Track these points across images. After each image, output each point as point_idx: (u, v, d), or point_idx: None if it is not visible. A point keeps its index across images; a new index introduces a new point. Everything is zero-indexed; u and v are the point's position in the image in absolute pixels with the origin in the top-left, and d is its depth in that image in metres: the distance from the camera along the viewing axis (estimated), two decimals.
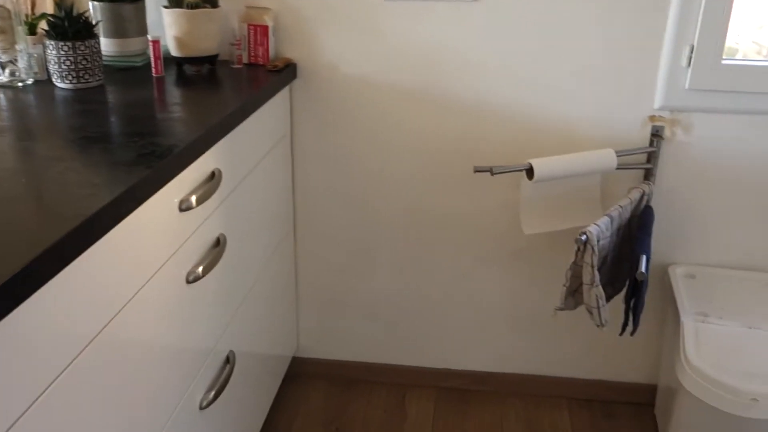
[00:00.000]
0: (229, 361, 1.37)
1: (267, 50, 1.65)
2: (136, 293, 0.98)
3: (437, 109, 1.70)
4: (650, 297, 1.80)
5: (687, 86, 1.59)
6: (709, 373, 1.46)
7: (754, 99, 1.58)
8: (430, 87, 1.68)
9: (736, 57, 1.63)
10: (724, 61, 1.55)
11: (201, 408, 1.24)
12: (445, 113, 1.70)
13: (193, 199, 1.13)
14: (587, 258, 1.49)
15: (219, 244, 1.27)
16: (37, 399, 0.77)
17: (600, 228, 1.49)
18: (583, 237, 1.47)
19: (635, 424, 1.87)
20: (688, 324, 1.57)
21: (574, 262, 1.54)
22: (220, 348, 1.34)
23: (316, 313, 1.98)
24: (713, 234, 1.74)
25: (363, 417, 1.88)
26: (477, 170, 1.59)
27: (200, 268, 1.17)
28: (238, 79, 1.54)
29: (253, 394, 1.59)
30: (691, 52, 1.56)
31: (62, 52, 1.36)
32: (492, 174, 1.58)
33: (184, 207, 1.11)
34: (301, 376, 2.03)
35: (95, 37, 1.39)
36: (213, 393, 1.27)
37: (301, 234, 1.88)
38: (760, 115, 1.61)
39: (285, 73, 1.61)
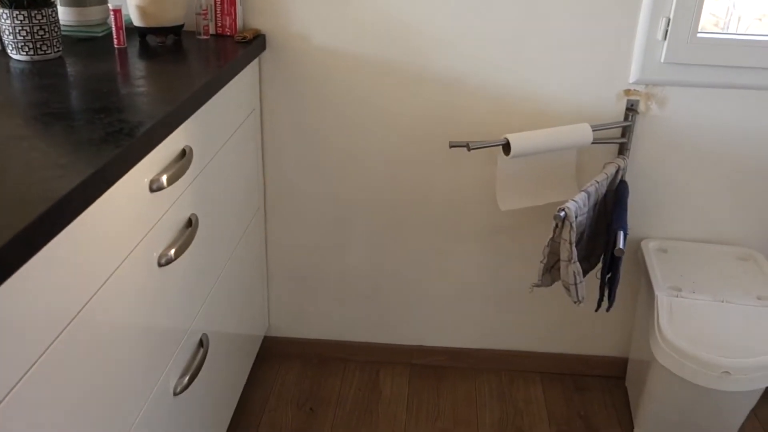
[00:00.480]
0: (202, 344, 1.33)
1: (235, 20, 1.58)
2: (106, 280, 0.93)
3: (412, 83, 1.66)
4: (623, 271, 1.81)
5: (662, 60, 1.58)
6: (683, 347, 1.47)
7: (729, 73, 1.58)
8: (405, 61, 1.64)
9: None
10: (699, 35, 1.55)
11: (175, 394, 1.20)
12: (420, 88, 1.66)
13: (164, 178, 1.07)
14: (565, 234, 1.48)
15: (191, 224, 1.22)
16: (11, 389, 0.73)
17: (578, 204, 1.49)
18: (562, 213, 1.46)
19: (606, 397, 1.90)
20: (662, 298, 1.58)
21: (552, 239, 1.53)
22: (194, 331, 1.29)
23: (287, 292, 1.94)
24: (685, 208, 1.75)
25: (337, 396, 1.87)
26: (453, 146, 1.57)
27: (172, 251, 1.12)
28: (205, 51, 1.47)
29: (226, 377, 1.55)
30: (667, 25, 1.55)
31: (17, 22, 1.27)
32: (468, 149, 1.55)
33: (155, 187, 1.06)
34: (273, 357, 2.00)
35: (52, 5, 1.31)
36: (187, 378, 1.22)
37: (271, 211, 1.84)
38: (734, 89, 1.61)
39: (254, 44, 1.54)
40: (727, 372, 1.45)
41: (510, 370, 1.98)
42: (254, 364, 1.96)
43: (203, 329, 1.35)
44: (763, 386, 1.50)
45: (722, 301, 1.58)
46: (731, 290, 1.61)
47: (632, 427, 1.78)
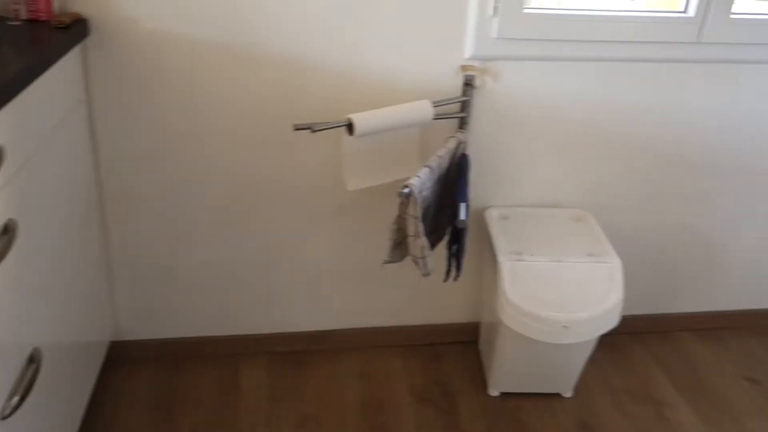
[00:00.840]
0: (33, 360, 1.22)
1: (50, 3, 1.44)
2: None
3: (252, 65, 1.60)
4: (469, 241, 1.89)
5: (494, 35, 1.64)
6: (525, 307, 1.57)
7: (555, 46, 1.67)
8: (244, 42, 1.58)
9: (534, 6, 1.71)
10: (525, 10, 1.62)
11: (3, 418, 1.09)
12: (261, 70, 1.61)
13: None
14: (411, 210, 1.51)
15: (8, 231, 1.10)
16: None
17: (422, 179, 1.52)
18: (406, 190, 1.48)
19: (462, 361, 1.98)
20: (505, 263, 1.66)
21: (399, 215, 1.55)
22: (21, 346, 1.18)
23: (135, 292, 1.83)
24: (524, 176, 1.85)
25: (195, 395, 1.80)
26: (297, 128, 1.54)
27: None
28: (16, 39, 1.33)
29: (67, 390, 1.44)
30: (496, 1, 1.60)
31: None
32: (312, 131, 1.54)
33: None
34: (124, 362, 1.89)
35: None
36: (17, 398, 1.12)
37: (111, 208, 1.72)
38: (561, 62, 1.71)
39: (74, 30, 1.42)
40: (565, 326, 1.56)
41: (370, 346, 2.01)
42: (102, 372, 1.84)
43: (34, 343, 1.23)
44: (597, 335, 1.63)
45: (558, 261, 1.68)
46: (566, 250, 1.73)
47: (486, 387, 1.87)
